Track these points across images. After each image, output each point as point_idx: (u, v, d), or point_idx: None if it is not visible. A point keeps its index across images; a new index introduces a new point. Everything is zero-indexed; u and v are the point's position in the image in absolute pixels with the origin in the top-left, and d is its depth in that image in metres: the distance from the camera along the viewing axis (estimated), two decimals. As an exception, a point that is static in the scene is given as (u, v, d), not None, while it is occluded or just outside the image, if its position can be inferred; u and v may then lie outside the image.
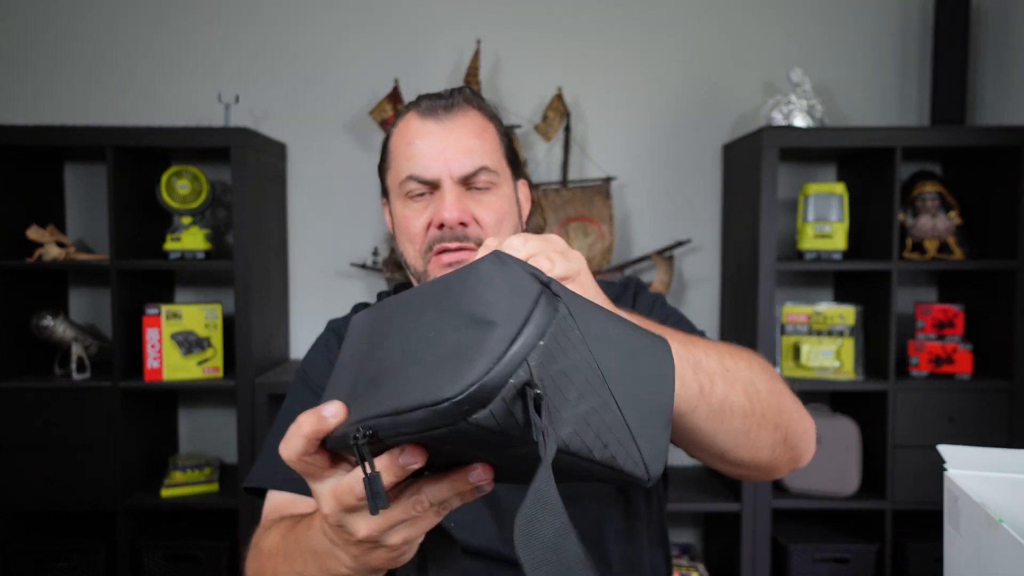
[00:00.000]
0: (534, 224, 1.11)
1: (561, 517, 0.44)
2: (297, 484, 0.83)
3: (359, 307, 1.11)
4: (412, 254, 0.99)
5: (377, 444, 0.48)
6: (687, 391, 0.75)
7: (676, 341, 0.73)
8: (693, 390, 0.75)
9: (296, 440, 0.53)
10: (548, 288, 0.47)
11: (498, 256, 0.49)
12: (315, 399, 0.97)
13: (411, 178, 0.96)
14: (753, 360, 0.84)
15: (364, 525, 0.55)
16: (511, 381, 0.43)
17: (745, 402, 0.79)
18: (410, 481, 0.53)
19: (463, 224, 0.94)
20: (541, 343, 0.44)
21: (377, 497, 0.49)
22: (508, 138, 1.03)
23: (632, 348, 0.54)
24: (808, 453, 0.89)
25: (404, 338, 0.51)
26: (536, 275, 0.48)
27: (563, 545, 0.44)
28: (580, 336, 0.47)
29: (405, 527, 0.55)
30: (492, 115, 1.02)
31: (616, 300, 1.03)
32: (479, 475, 0.51)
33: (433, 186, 0.96)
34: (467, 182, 0.95)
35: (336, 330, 1.10)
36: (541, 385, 0.44)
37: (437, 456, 0.50)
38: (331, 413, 0.52)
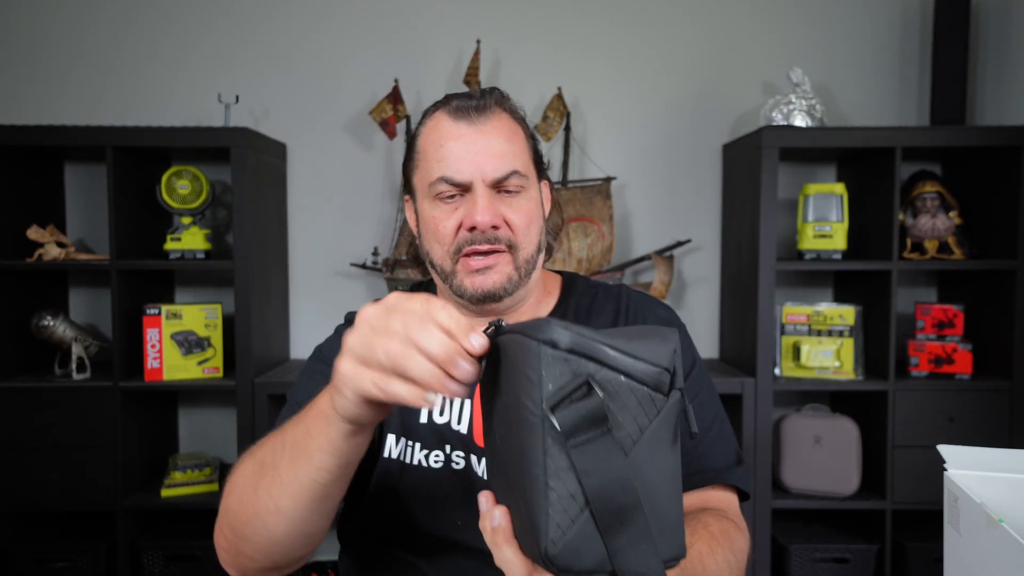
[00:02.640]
0: (553, 224, 1.11)
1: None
2: None
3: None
4: (440, 254, 0.98)
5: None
6: None
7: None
8: None
9: (439, 343, 0.61)
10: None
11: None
12: (330, 372, 0.99)
13: (442, 180, 0.95)
14: (728, 552, 0.90)
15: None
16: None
17: None
18: None
19: (495, 227, 0.95)
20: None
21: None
22: (534, 140, 1.04)
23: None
24: None
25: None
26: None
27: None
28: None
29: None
30: (521, 118, 1.02)
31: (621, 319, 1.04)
32: None
33: (464, 188, 0.96)
34: (498, 185, 0.96)
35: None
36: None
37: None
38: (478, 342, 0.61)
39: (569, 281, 1.11)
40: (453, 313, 0.62)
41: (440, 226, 0.97)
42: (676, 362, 0.57)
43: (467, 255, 0.96)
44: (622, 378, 0.55)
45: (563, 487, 0.54)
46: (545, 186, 1.07)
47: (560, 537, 0.54)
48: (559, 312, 1.07)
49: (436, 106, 1.00)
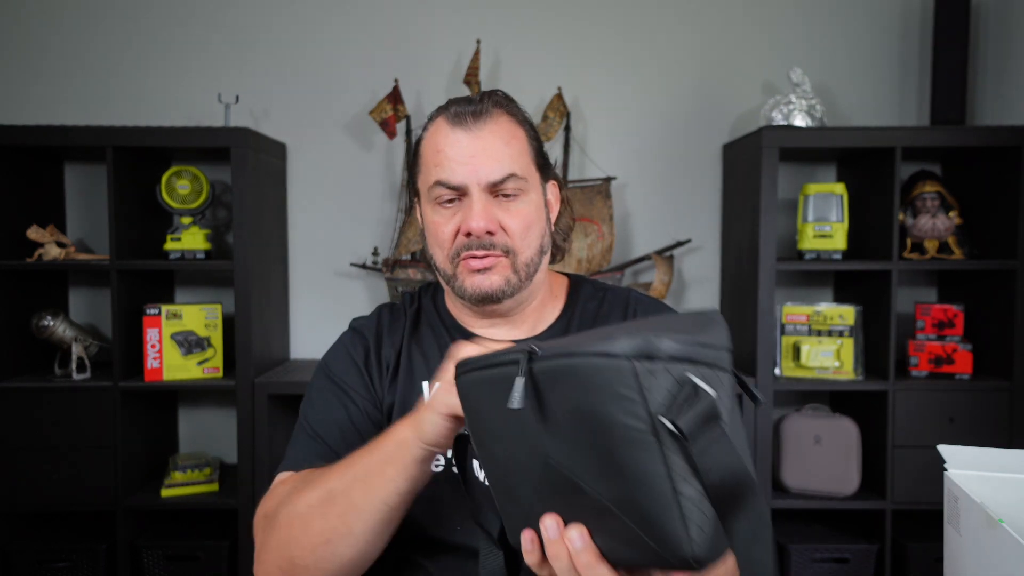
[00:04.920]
0: (564, 224, 1.11)
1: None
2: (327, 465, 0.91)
3: (383, 308, 1.12)
4: (441, 258, 1.00)
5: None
6: None
7: None
8: None
9: None
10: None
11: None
12: (339, 392, 1.02)
13: (439, 184, 0.96)
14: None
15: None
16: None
17: None
18: None
19: (490, 233, 0.96)
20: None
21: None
22: (538, 141, 1.04)
23: None
24: None
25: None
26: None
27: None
28: None
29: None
30: (523, 119, 1.02)
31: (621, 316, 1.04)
32: None
33: (461, 192, 0.96)
34: (495, 189, 0.96)
35: (360, 330, 1.08)
36: None
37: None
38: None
39: (575, 284, 1.11)
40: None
41: (439, 231, 0.98)
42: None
43: (466, 259, 0.97)
44: (716, 372, 0.56)
45: (692, 491, 0.55)
46: (553, 186, 1.06)
47: (702, 537, 0.55)
48: (566, 316, 1.07)
49: (438, 111, 1.01)
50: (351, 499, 0.82)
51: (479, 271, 0.97)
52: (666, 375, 0.54)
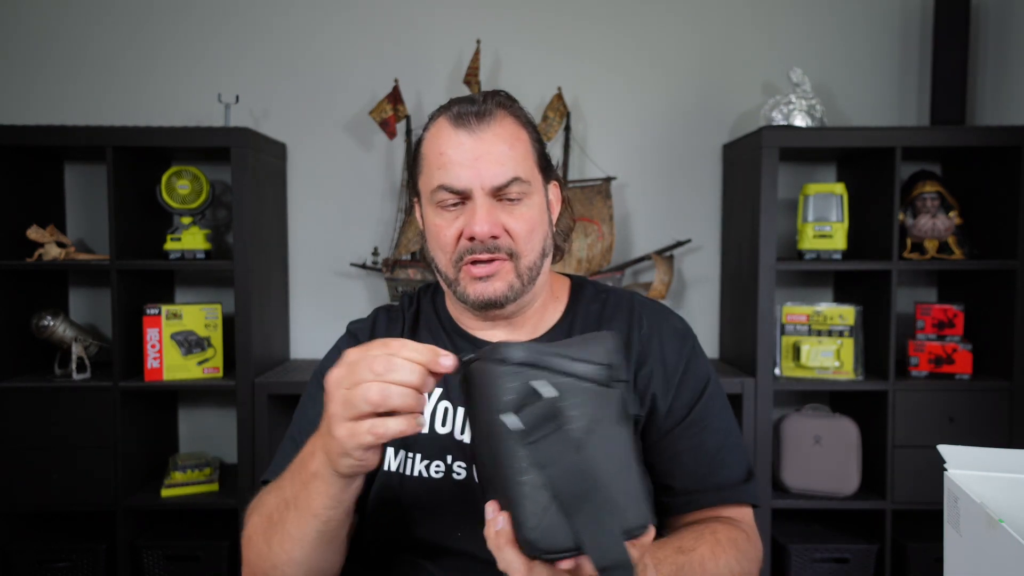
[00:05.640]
0: (564, 225, 1.10)
1: None
2: None
3: (380, 311, 1.11)
4: (443, 261, 0.98)
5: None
6: None
7: (672, 564, 0.85)
8: None
9: (410, 371, 0.69)
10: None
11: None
12: None
13: (442, 188, 0.95)
14: (734, 559, 0.93)
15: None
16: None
17: None
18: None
19: (494, 237, 0.94)
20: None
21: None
22: (541, 143, 1.02)
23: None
24: None
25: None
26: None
27: None
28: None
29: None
30: (526, 120, 1.01)
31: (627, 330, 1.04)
32: None
33: (464, 196, 0.95)
34: (498, 193, 0.95)
35: (356, 334, 1.08)
36: None
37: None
38: (447, 360, 0.70)
39: (577, 285, 1.10)
40: (416, 346, 0.70)
41: (442, 234, 0.96)
42: (616, 359, 0.67)
43: (469, 263, 0.96)
44: (570, 380, 0.64)
45: (532, 480, 0.63)
46: (554, 187, 1.05)
47: (537, 524, 0.62)
48: (568, 319, 1.05)
49: (440, 111, 0.99)
50: (286, 529, 0.81)
51: (481, 279, 0.95)
52: (516, 378, 0.64)
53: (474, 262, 0.95)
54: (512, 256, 0.96)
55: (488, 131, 0.95)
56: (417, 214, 1.06)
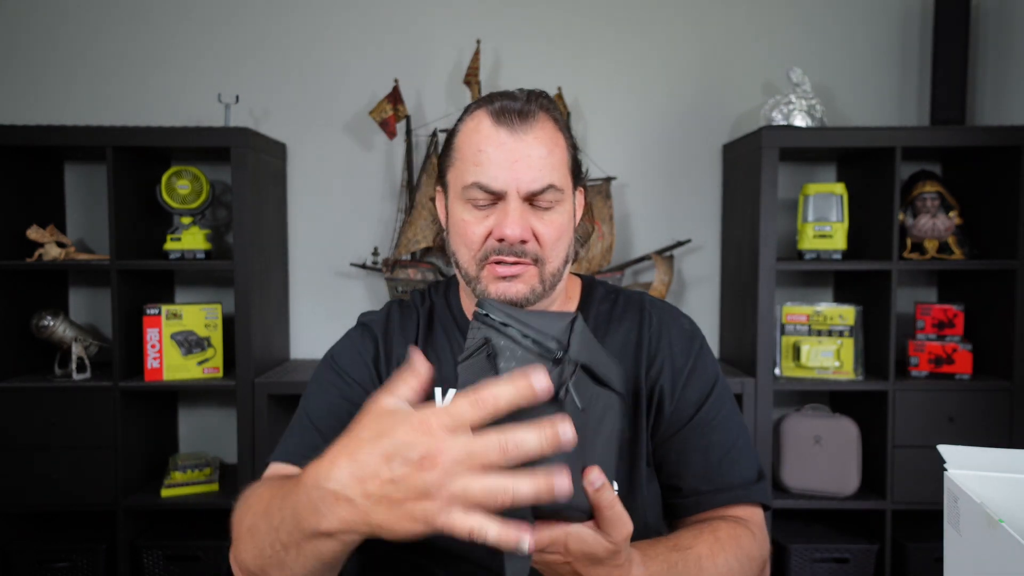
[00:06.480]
0: (582, 230, 1.10)
1: None
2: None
3: (393, 304, 1.09)
4: (466, 258, 0.97)
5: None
6: None
7: (664, 562, 0.81)
8: None
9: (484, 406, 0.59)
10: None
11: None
12: (343, 385, 1.00)
13: (477, 186, 0.93)
14: (734, 557, 0.91)
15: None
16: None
17: None
18: None
19: (523, 241, 0.93)
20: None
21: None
22: (575, 148, 1.01)
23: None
24: None
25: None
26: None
27: None
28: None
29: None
30: (564, 125, 0.99)
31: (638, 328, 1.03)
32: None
33: (498, 196, 0.93)
34: (532, 198, 0.94)
35: (369, 326, 1.06)
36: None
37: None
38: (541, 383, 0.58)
39: (588, 285, 1.09)
40: (469, 411, 0.58)
41: (469, 231, 0.95)
42: (568, 337, 0.69)
43: (493, 263, 0.95)
44: (508, 342, 0.70)
45: None
46: (579, 193, 1.05)
47: None
48: None
49: (479, 103, 0.97)
50: (286, 564, 0.73)
51: (504, 278, 0.94)
52: (478, 332, 0.71)
53: (499, 262, 0.94)
54: (537, 261, 0.95)
55: (529, 133, 0.93)
56: (440, 204, 1.04)
